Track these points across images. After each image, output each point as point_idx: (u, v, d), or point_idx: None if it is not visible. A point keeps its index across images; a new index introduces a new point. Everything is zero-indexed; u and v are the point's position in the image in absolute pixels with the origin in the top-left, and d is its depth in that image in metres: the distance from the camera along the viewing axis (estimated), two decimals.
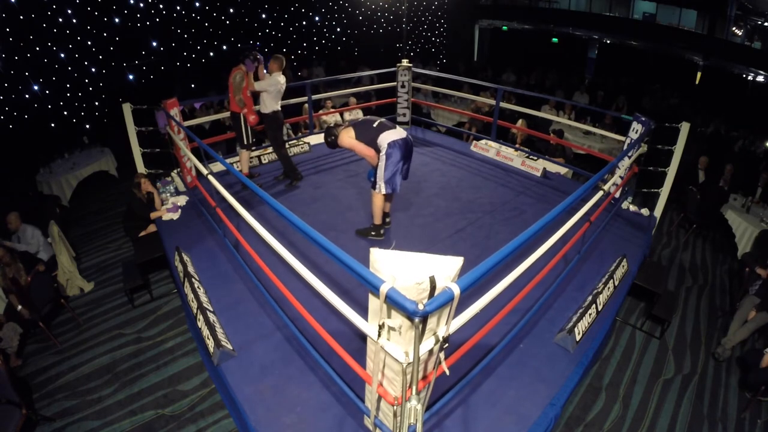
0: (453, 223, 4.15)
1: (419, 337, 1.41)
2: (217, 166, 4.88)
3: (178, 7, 9.15)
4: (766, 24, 10.14)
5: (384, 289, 1.41)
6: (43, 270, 4.18)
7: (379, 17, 12.61)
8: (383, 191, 3.54)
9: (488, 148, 5.83)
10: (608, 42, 12.99)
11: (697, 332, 4.22)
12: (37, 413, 3.22)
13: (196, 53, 9.83)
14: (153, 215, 4.32)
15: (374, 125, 3.53)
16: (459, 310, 1.63)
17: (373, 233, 3.85)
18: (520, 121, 6.09)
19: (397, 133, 3.48)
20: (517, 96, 8.01)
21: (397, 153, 3.43)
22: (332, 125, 3.78)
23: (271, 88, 4.38)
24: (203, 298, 3.06)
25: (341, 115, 7.12)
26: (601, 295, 3.09)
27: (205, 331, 2.76)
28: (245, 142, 4.61)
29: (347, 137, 3.58)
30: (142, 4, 8.58)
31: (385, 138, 3.45)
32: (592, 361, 2.99)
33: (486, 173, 5.31)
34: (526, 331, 2.83)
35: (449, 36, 14.12)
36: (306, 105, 6.04)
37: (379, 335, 1.60)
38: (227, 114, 6.53)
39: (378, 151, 3.50)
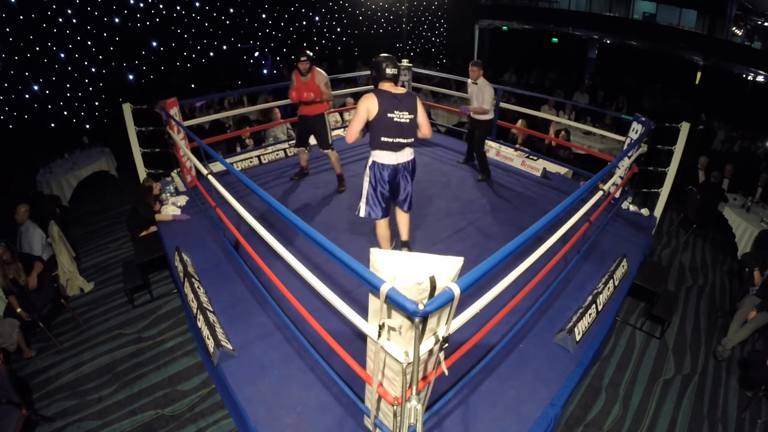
0: (453, 223, 4.15)
1: (419, 337, 1.41)
2: (217, 166, 4.88)
3: (178, 7, 9.15)
4: (766, 24, 10.14)
5: (384, 289, 1.41)
6: (42, 270, 4.17)
7: (379, 17, 12.61)
8: (361, 213, 3.06)
9: (488, 148, 5.83)
10: (608, 42, 13.00)
11: (697, 332, 4.22)
12: (37, 413, 3.22)
13: (196, 53, 9.83)
14: (158, 218, 4.31)
15: (390, 137, 2.81)
16: (459, 310, 1.63)
17: None
18: (520, 121, 6.10)
19: (393, 157, 2.90)
20: (517, 96, 8.02)
21: (377, 176, 2.95)
22: (386, 62, 2.82)
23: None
24: (203, 298, 3.06)
25: (341, 115, 7.13)
26: (601, 295, 3.09)
27: (205, 331, 2.76)
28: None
29: (366, 104, 2.78)
30: (142, 4, 8.58)
31: (377, 155, 2.92)
32: (592, 361, 2.99)
33: None
34: (526, 331, 2.83)
35: (449, 36, 14.12)
36: None
37: (379, 335, 1.60)
38: (227, 114, 6.60)
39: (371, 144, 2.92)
